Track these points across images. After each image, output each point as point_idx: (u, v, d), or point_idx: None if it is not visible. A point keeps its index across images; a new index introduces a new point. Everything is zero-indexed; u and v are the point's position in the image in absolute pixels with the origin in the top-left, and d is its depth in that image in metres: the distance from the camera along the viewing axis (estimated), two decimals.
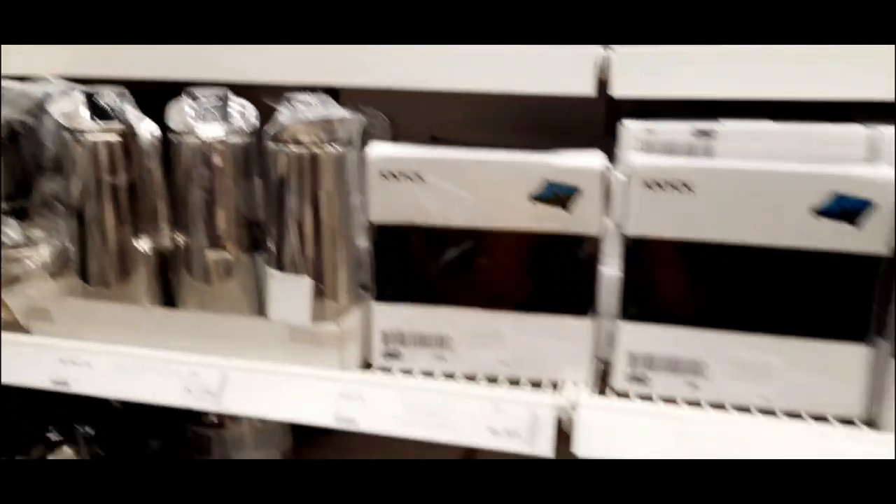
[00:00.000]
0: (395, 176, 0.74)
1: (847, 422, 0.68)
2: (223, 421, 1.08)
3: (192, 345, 0.79)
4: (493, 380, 0.77)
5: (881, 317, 0.67)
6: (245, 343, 0.77)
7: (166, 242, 0.84)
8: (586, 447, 0.68)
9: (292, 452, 1.19)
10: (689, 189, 0.68)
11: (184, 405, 0.75)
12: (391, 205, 0.74)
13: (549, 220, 0.72)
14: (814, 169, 0.65)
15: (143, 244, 0.83)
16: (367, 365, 0.79)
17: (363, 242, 0.80)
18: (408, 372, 0.78)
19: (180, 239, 0.82)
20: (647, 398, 0.73)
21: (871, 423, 0.68)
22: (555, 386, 0.75)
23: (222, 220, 0.80)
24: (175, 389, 0.76)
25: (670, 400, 0.72)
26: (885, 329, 0.67)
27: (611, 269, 0.74)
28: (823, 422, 0.68)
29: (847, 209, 0.65)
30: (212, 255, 0.81)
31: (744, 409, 0.71)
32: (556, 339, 0.75)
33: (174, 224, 0.83)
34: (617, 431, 0.69)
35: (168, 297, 0.85)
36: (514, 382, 0.76)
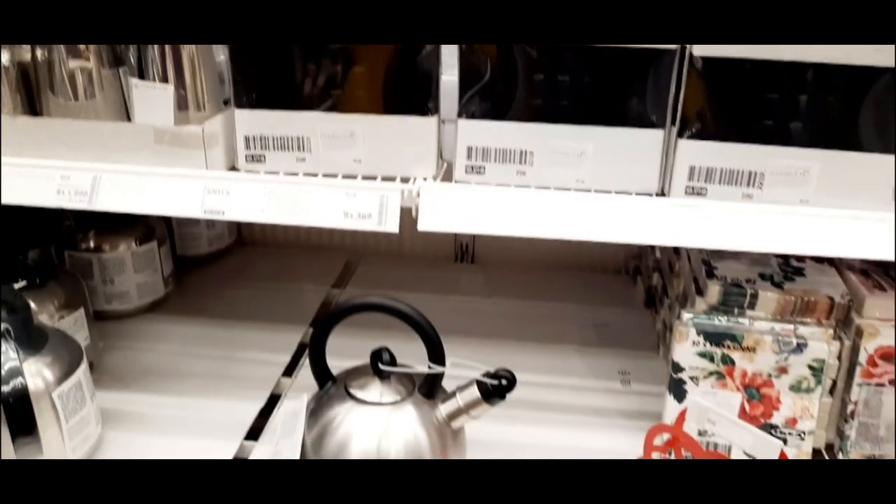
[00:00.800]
0: None
1: (645, 195, 0.82)
2: (100, 245, 1.13)
3: (59, 153, 0.83)
4: (350, 178, 0.85)
5: (674, 105, 0.79)
6: (112, 149, 0.82)
7: (26, 56, 0.86)
8: (428, 223, 0.79)
9: (174, 278, 1.26)
10: None
11: (57, 205, 0.80)
12: None
13: None
14: None
15: (3, 57, 0.84)
16: (233, 169, 0.86)
17: (223, 55, 0.85)
18: (272, 174, 0.85)
19: (40, 53, 0.84)
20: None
21: (662, 194, 0.81)
22: (405, 181, 0.85)
23: None
24: (48, 192, 0.80)
25: (503, 186, 0.83)
26: (675, 117, 0.79)
27: (450, 76, 0.82)
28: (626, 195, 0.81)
29: None
30: (73, 70, 0.84)
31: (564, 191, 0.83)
32: (405, 137, 0.84)
33: None
34: (455, 209, 0.79)
35: (34, 113, 0.88)
36: (370, 180, 0.85)
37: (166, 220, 1.26)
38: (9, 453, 0.80)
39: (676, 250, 1.11)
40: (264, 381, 1.07)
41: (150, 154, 0.82)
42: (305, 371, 1.09)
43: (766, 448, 0.75)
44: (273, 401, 1.03)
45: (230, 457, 0.92)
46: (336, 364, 0.87)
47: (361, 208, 0.80)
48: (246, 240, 1.49)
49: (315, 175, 0.85)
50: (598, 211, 0.78)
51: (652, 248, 1.31)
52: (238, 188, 0.81)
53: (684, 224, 0.77)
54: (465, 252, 1.48)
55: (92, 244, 1.13)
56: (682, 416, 0.81)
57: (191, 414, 0.99)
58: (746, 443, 0.77)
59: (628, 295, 1.37)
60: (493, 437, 0.96)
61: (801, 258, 0.99)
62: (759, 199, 0.78)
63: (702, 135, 0.78)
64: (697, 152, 0.78)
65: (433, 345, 0.80)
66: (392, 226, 0.79)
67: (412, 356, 0.83)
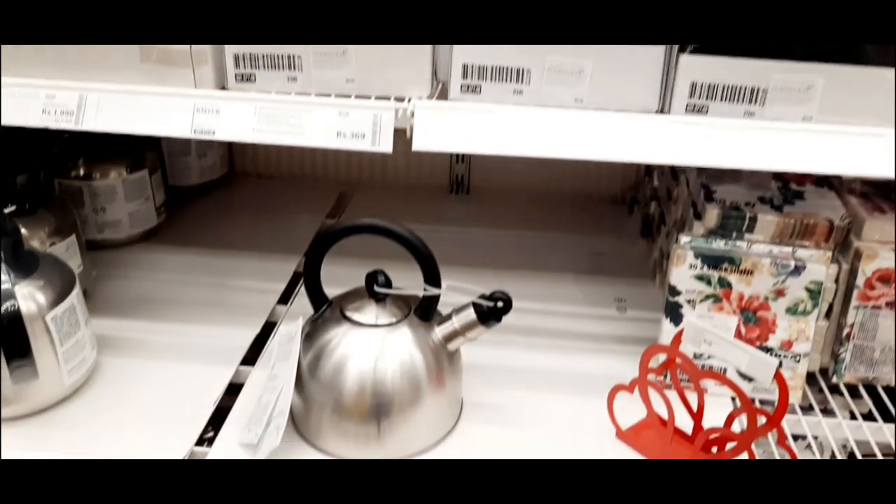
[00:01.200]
0: None
1: (646, 113, 0.80)
2: (90, 173, 1.11)
3: (44, 72, 0.80)
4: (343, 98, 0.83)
5: None
6: (98, 67, 0.80)
7: None
8: (423, 142, 0.77)
9: (166, 208, 1.24)
10: None
11: (43, 125, 0.78)
12: None
13: None
14: None
15: None
16: (222, 89, 0.84)
17: None
18: (263, 93, 0.83)
19: None
20: None
21: (662, 112, 0.80)
22: (399, 101, 0.82)
23: None
24: (33, 112, 0.78)
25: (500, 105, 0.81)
26: None
27: None
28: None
29: None
30: None
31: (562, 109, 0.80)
32: (399, 56, 0.81)
33: None
34: (450, 129, 0.78)
35: None
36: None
37: (157, 150, 1.24)
38: (5, 376, 0.80)
39: (675, 176, 1.10)
40: (260, 309, 1.06)
41: (137, 73, 0.80)
42: (300, 299, 1.09)
43: (761, 367, 0.75)
44: (269, 328, 1.03)
45: (227, 380, 0.92)
46: (331, 293, 0.86)
47: (354, 127, 0.78)
48: (238, 171, 1.47)
49: (307, 95, 0.83)
50: (596, 129, 0.77)
51: (649, 176, 1.29)
52: (228, 107, 0.79)
53: (685, 141, 0.75)
54: (459, 183, 1.47)
55: (82, 172, 1.11)
56: (678, 337, 0.80)
57: (187, 340, 0.99)
58: (742, 363, 0.77)
59: (624, 224, 1.36)
60: (490, 360, 0.96)
61: (801, 182, 0.98)
62: (761, 117, 0.77)
63: (703, 49, 0.75)
64: (699, 68, 0.76)
65: (429, 267, 0.80)
66: (386, 145, 0.78)
67: (408, 285, 0.83)
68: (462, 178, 1.46)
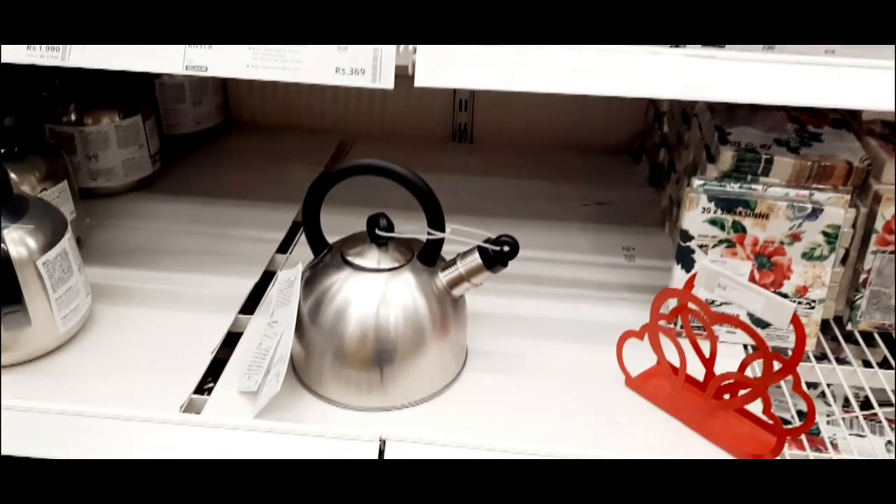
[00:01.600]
0: None
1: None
2: (82, 119, 1.08)
3: None
4: None
5: None
6: None
7: None
8: (425, 78, 0.74)
9: (161, 156, 1.21)
10: None
11: (28, 62, 0.74)
12: None
13: None
14: None
15: None
16: None
17: None
18: None
19: None
20: None
21: (676, 45, 0.76)
22: None
23: None
24: (17, 48, 0.74)
25: None
26: None
27: None
28: None
29: None
30: None
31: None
32: None
33: None
34: (453, 63, 0.74)
35: None
36: None
37: (151, 97, 1.20)
38: None
39: (686, 120, 1.06)
40: (258, 258, 1.04)
41: None
42: (300, 248, 1.06)
43: (778, 311, 0.72)
44: (268, 276, 1.00)
45: (226, 329, 0.90)
46: (331, 241, 0.84)
47: (354, 63, 0.74)
48: (235, 119, 1.43)
49: None
50: (606, 63, 0.73)
51: (658, 123, 1.26)
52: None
53: (700, 76, 0.72)
54: (462, 132, 1.43)
55: (73, 117, 1.08)
56: (690, 281, 0.78)
57: (184, 289, 0.97)
58: (757, 307, 0.74)
59: (631, 174, 1.32)
60: (496, 309, 0.94)
61: (818, 123, 0.95)
62: (782, 50, 0.73)
63: None
64: None
65: (432, 208, 0.77)
66: (387, 82, 0.74)
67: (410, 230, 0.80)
68: (465, 127, 1.42)
